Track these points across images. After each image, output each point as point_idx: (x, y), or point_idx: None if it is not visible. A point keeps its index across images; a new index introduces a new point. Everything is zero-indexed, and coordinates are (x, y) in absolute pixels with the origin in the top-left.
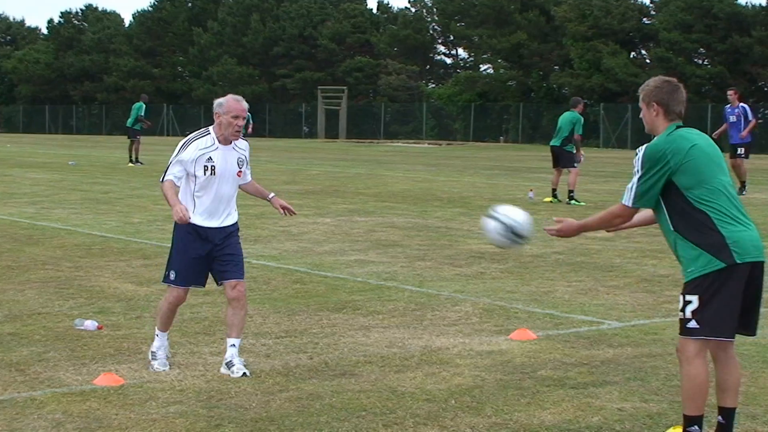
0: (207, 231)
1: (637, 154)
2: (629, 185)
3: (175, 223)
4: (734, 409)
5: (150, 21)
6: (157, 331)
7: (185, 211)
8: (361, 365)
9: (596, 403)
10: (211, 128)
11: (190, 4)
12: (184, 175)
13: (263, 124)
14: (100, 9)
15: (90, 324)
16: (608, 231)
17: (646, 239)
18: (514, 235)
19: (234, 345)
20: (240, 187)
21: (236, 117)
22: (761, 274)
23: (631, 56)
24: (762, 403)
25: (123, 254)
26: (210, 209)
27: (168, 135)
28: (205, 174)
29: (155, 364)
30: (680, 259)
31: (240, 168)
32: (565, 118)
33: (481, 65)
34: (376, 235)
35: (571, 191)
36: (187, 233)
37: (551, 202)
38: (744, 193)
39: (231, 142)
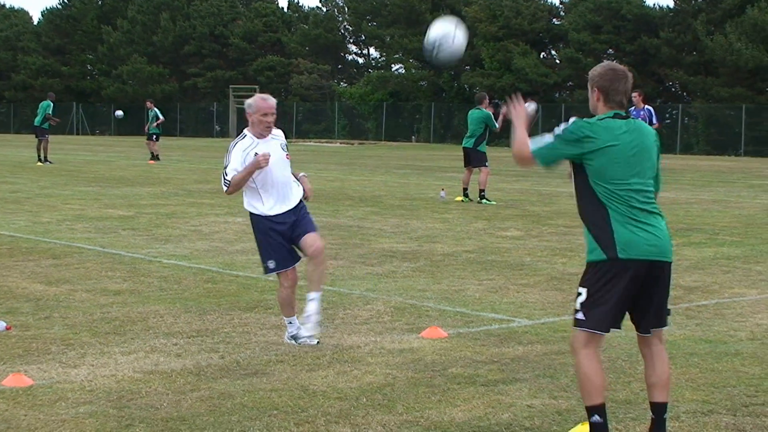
0: (281, 217)
1: (568, 120)
2: (542, 137)
3: (253, 222)
4: (665, 404)
5: (59, 18)
6: (286, 321)
7: (265, 155)
8: (272, 364)
9: (506, 400)
10: (245, 130)
11: (99, 2)
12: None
13: (174, 123)
14: (7, 6)
15: None
16: (518, 159)
17: (556, 238)
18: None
19: (313, 299)
20: None
21: (265, 114)
22: (663, 274)
23: (541, 56)
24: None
25: (32, 254)
26: (278, 197)
27: (77, 134)
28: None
29: (306, 333)
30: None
31: (285, 151)
32: (474, 117)
33: (392, 65)
34: None
35: (482, 190)
36: (267, 228)
37: (462, 201)
38: None
39: (266, 136)
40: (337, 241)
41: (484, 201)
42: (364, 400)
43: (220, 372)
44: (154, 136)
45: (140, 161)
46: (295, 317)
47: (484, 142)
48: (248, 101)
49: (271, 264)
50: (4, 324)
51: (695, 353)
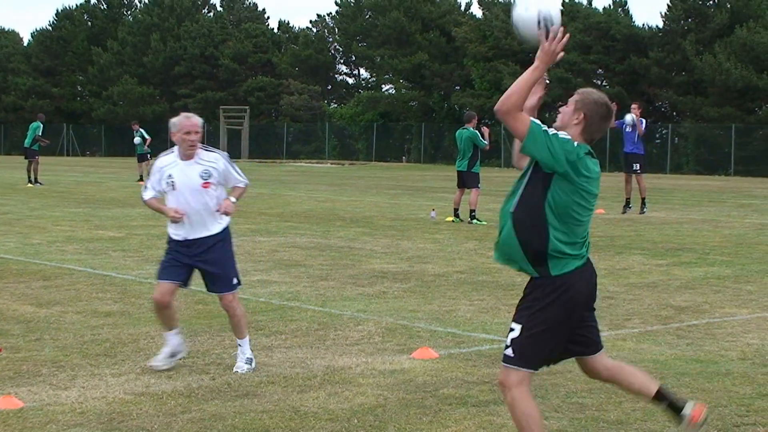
0: (179, 243)
1: (557, 133)
2: (538, 125)
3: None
4: (660, 387)
5: (49, 40)
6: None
7: (176, 210)
8: (263, 385)
9: (497, 420)
10: (175, 147)
11: (89, 23)
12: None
13: (164, 143)
14: None
15: None
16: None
17: None
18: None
19: (239, 344)
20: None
21: (188, 133)
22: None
23: None
24: (659, 419)
25: (22, 275)
26: (186, 225)
27: (67, 155)
28: (167, 189)
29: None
30: (516, 266)
31: (205, 180)
32: (463, 137)
33: (383, 85)
34: (278, 255)
35: (472, 210)
36: (170, 248)
37: (453, 221)
38: (644, 211)
39: (192, 157)
40: (327, 261)
41: (474, 221)
42: (356, 421)
43: (211, 393)
44: (148, 156)
45: (131, 182)
46: (175, 330)
47: (478, 162)
48: (173, 120)
49: (157, 274)
50: None
51: (686, 373)
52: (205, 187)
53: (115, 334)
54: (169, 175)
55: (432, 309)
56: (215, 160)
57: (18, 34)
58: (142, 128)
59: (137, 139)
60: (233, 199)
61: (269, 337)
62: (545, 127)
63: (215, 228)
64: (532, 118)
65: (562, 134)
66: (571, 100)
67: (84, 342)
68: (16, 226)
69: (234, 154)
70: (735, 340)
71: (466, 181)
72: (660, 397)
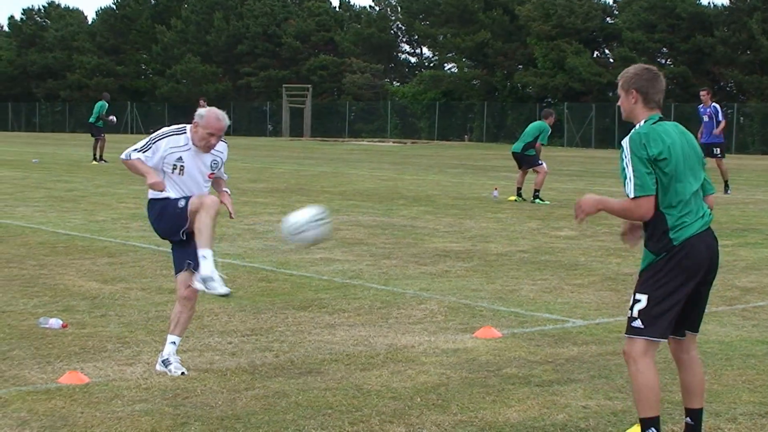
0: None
1: (622, 148)
2: (626, 179)
3: (157, 199)
4: (701, 409)
5: (113, 18)
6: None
7: (161, 180)
8: (326, 363)
9: (561, 400)
10: (188, 128)
11: (153, 2)
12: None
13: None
14: (62, 6)
15: (54, 322)
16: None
17: (610, 238)
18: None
19: (174, 343)
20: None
21: (212, 135)
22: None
23: (595, 56)
24: (725, 401)
25: (88, 252)
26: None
27: (132, 132)
28: (173, 172)
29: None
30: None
31: (212, 170)
32: (533, 126)
33: (445, 64)
34: (341, 233)
35: (536, 190)
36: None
37: (515, 200)
38: (729, 192)
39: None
40: (390, 240)
41: (537, 201)
42: (419, 399)
43: (274, 371)
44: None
45: None
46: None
47: (532, 149)
48: (201, 111)
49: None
50: (61, 322)
51: (752, 355)
52: (210, 177)
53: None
54: (179, 158)
55: (495, 288)
56: (223, 150)
57: (82, 13)
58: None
59: None
60: (229, 195)
61: (332, 315)
62: (629, 174)
63: None
64: (628, 193)
65: (624, 147)
66: (618, 92)
67: (149, 318)
68: (81, 203)
69: (296, 132)
70: None
71: (521, 162)
72: (693, 415)
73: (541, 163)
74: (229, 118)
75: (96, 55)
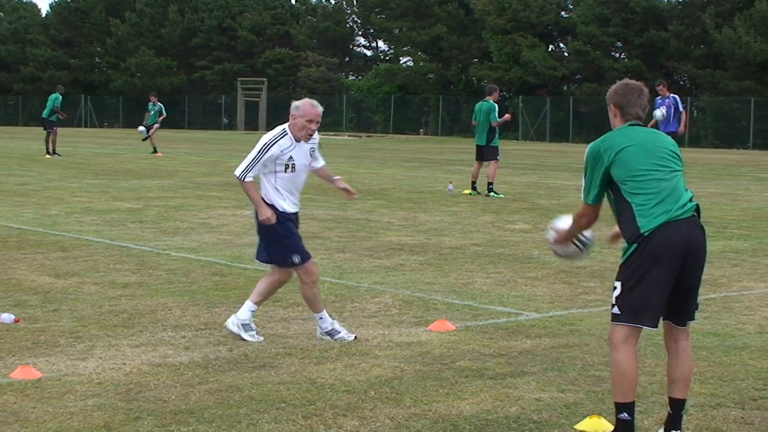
0: (293, 215)
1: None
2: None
3: (277, 212)
4: (684, 400)
5: (67, 11)
6: (318, 316)
7: (272, 215)
8: (280, 357)
9: (514, 393)
10: (287, 127)
11: None
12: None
13: (182, 115)
14: None
15: (6, 317)
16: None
17: None
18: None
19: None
20: (314, 171)
21: (310, 121)
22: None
23: (550, 49)
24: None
25: (40, 246)
26: (293, 198)
27: (86, 126)
28: (286, 171)
29: (343, 334)
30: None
31: (311, 157)
32: (482, 110)
33: (400, 58)
34: None
35: (490, 183)
36: (285, 221)
37: (470, 194)
38: None
39: (306, 141)
40: (344, 234)
41: (492, 194)
42: (372, 393)
43: (228, 365)
44: (155, 126)
45: (148, 154)
46: (324, 311)
47: (496, 136)
48: (296, 103)
49: (297, 258)
50: (13, 317)
51: (703, 347)
52: (310, 164)
53: (132, 305)
54: (290, 157)
55: (449, 281)
56: (316, 137)
57: (36, 6)
58: (161, 102)
59: (153, 112)
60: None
61: (286, 309)
62: (583, 184)
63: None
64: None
65: (587, 152)
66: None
67: (102, 313)
68: (33, 197)
69: (251, 125)
70: (752, 314)
71: (485, 154)
72: (675, 405)
73: (497, 158)
74: (184, 111)
75: (50, 48)
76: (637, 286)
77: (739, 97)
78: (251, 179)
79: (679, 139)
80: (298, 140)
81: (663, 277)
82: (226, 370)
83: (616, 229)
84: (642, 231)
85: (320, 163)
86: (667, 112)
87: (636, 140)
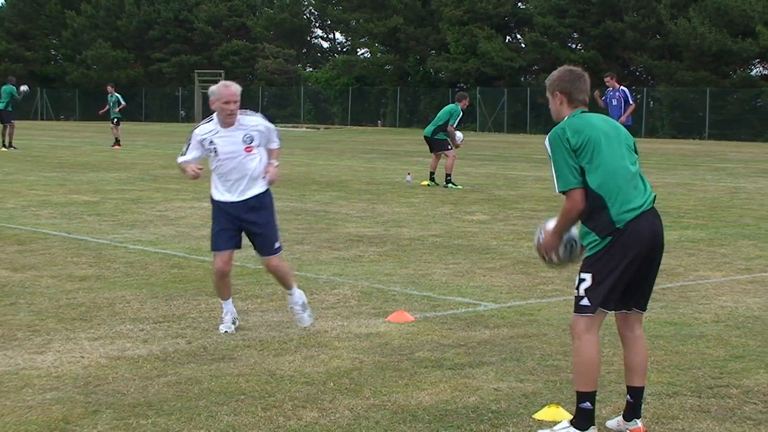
0: (226, 205)
1: (546, 147)
2: (553, 176)
3: (211, 200)
4: (642, 387)
5: (22, 3)
6: (220, 302)
7: (192, 170)
8: (239, 349)
9: (473, 383)
10: (214, 115)
11: None
12: (203, 157)
13: (139, 108)
14: None
15: None
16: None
17: (522, 222)
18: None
19: (290, 293)
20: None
21: (227, 102)
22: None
23: (507, 41)
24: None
25: None
26: (223, 186)
27: (42, 119)
28: (213, 158)
29: (221, 326)
30: (582, 241)
31: (248, 144)
32: (445, 110)
33: (358, 49)
34: None
35: (448, 175)
36: (216, 208)
37: (428, 185)
38: None
39: (233, 124)
40: (303, 225)
41: (450, 185)
42: (331, 384)
43: (187, 357)
44: (116, 121)
45: (105, 146)
46: (228, 301)
47: (442, 132)
48: (211, 88)
49: (211, 245)
50: None
51: (660, 336)
52: (247, 151)
53: (90, 299)
54: (211, 142)
55: (407, 273)
56: (256, 123)
57: None
58: (117, 93)
59: (112, 103)
60: (275, 163)
61: (245, 301)
62: (554, 172)
63: (258, 191)
64: (558, 188)
65: (546, 144)
66: (547, 96)
67: (59, 306)
68: None
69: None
70: (709, 303)
71: (433, 145)
72: (634, 393)
73: (450, 148)
74: (141, 104)
75: (4, 40)
76: (609, 277)
77: (694, 87)
78: (182, 160)
79: (635, 130)
80: (224, 125)
81: (632, 268)
82: (184, 362)
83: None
84: (618, 225)
85: (273, 145)
86: (617, 104)
87: (599, 128)
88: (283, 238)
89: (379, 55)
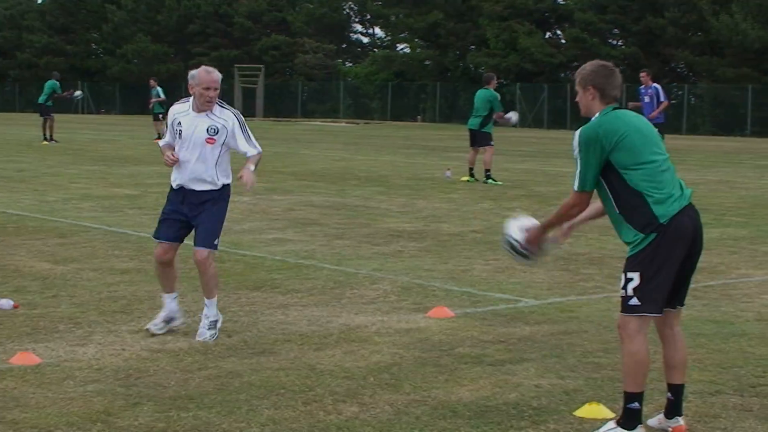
0: (178, 192)
1: (573, 138)
2: (575, 176)
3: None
4: (682, 385)
5: None
6: (167, 296)
7: (169, 155)
8: (280, 343)
9: (513, 379)
10: (191, 97)
11: None
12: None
13: None
14: None
15: (5, 303)
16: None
17: None
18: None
19: (207, 305)
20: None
21: (207, 88)
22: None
23: (547, 36)
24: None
25: (38, 233)
26: (181, 173)
27: (82, 113)
28: (175, 137)
29: (149, 323)
30: (623, 240)
31: (211, 135)
32: (480, 97)
33: (397, 44)
34: (294, 213)
35: (487, 170)
36: (170, 194)
37: (468, 181)
38: None
39: (205, 111)
40: (343, 220)
41: (489, 181)
42: (372, 379)
43: (227, 351)
44: (160, 116)
45: (146, 140)
46: (170, 295)
47: (490, 123)
48: (192, 72)
49: (154, 231)
50: (12, 302)
51: (702, 334)
52: (208, 142)
53: (131, 292)
54: (179, 123)
55: (447, 268)
56: (227, 118)
57: None
58: (159, 86)
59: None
60: (251, 167)
61: (285, 295)
62: (576, 171)
63: (211, 185)
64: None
65: (575, 140)
66: (576, 89)
67: (101, 299)
68: (32, 183)
69: (249, 112)
70: (751, 301)
71: (477, 139)
72: (674, 390)
73: (492, 143)
74: (181, 99)
75: (46, 34)
76: (658, 275)
77: (736, 84)
78: (163, 143)
79: (675, 128)
80: (197, 110)
81: (677, 265)
82: (225, 356)
83: (568, 223)
84: (661, 220)
85: (248, 152)
86: (649, 101)
87: (632, 125)
88: (323, 232)
89: (418, 50)
